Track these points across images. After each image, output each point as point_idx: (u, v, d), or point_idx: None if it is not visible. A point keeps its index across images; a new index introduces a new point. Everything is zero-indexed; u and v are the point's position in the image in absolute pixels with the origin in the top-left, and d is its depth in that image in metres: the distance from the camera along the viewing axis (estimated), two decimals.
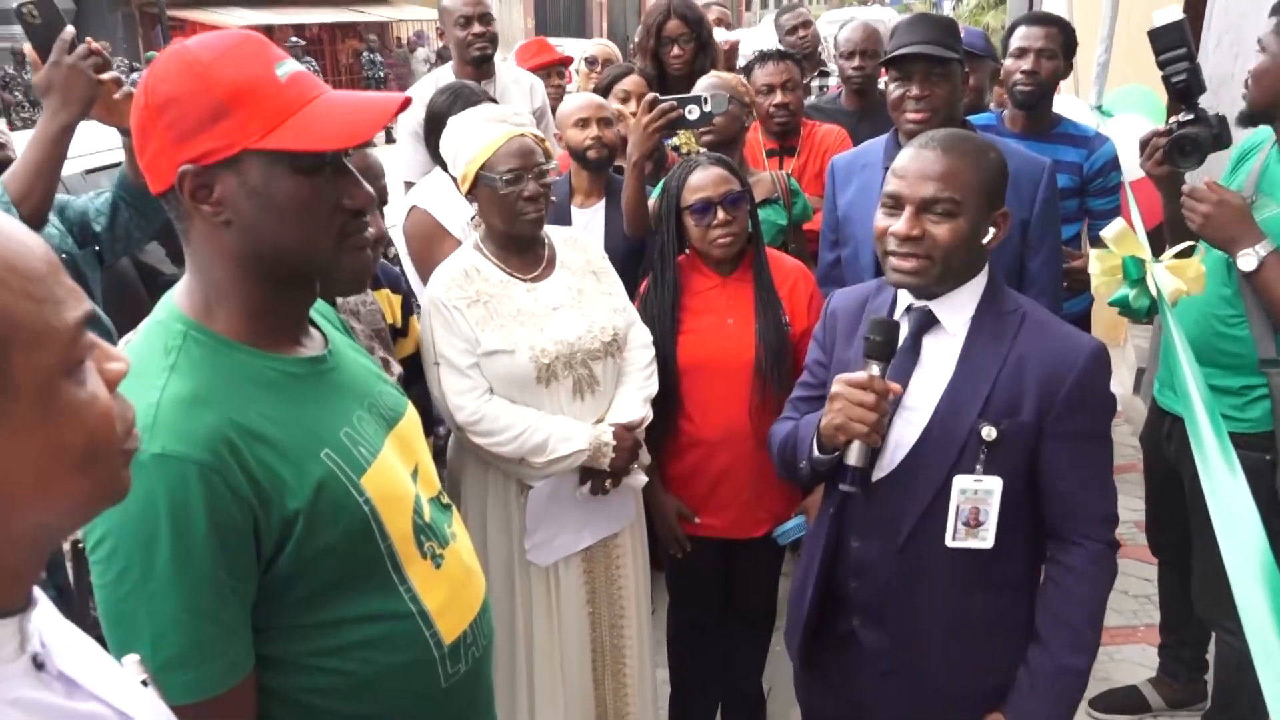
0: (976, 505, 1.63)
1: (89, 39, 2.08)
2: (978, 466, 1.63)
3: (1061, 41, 3.14)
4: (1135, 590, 3.55)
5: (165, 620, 1.07)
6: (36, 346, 0.68)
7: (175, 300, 1.20)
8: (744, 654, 2.75)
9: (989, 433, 1.62)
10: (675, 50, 3.66)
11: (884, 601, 1.74)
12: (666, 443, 2.44)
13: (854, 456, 1.63)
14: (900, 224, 1.62)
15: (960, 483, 1.63)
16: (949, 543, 1.65)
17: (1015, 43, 3.14)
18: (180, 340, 1.15)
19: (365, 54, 22.06)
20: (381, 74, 21.51)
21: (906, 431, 1.67)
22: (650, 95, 2.66)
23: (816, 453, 1.71)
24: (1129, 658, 3.21)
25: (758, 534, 2.48)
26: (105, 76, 2.06)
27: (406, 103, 1.24)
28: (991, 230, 1.67)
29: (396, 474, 1.29)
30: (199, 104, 1.09)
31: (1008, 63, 3.17)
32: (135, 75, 15.22)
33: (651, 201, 2.75)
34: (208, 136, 1.09)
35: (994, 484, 1.62)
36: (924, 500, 1.66)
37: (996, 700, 1.74)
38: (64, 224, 2.31)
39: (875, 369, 1.60)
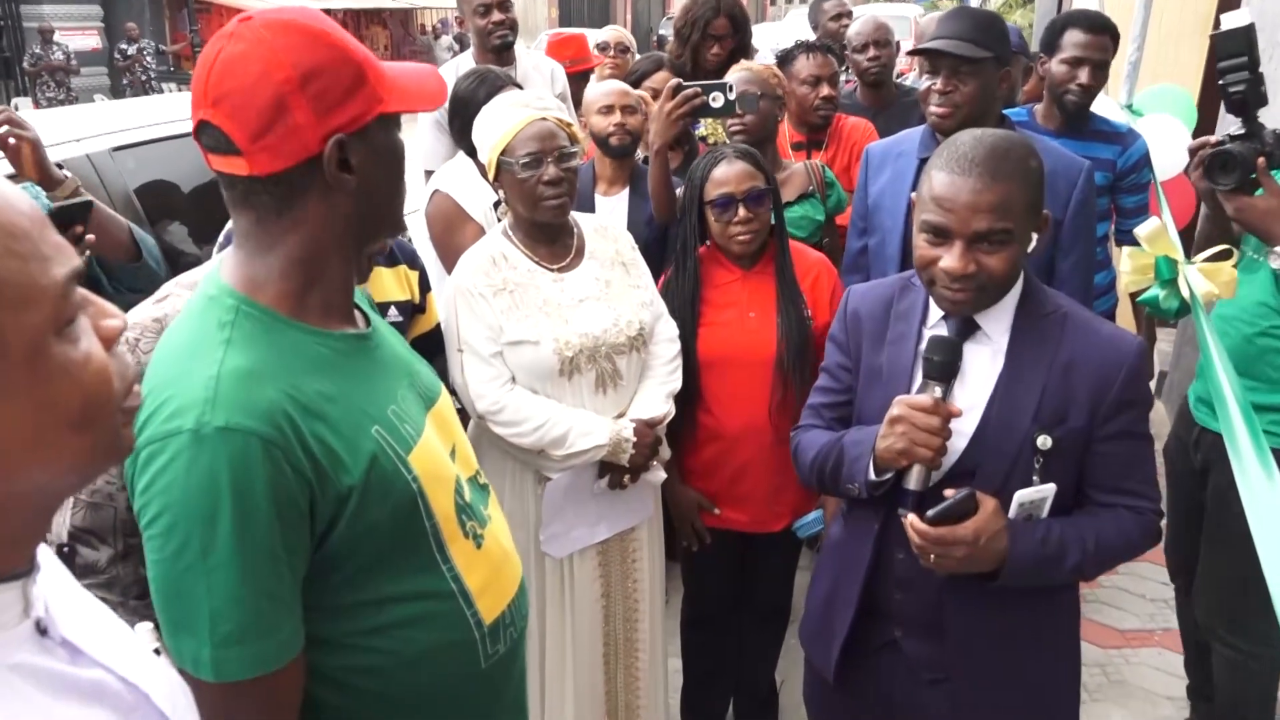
0: (1031, 513, 1.60)
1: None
2: (1034, 477, 1.59)
3: (1112, 49, 3.10)
4: (1153, 594, 3.53)
5: (225, 595, 1.07)
6: (23, 305, 0.67)
7: (223, 275, 1.19)
8: (757, 647, 2.74)
9: (1044, 441, 1.57)
10: (715, 49, 3.64)
11: (931, 611, 1.70)
12: (685, 436, 2.43)
13: (914, 481, 1.58)
14: (953, 261, 1.54)
15: (1021, 496, 1.58)
16: None
17: (1069, 49, 3.05)
18: (233, 315, 1.14)
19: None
20: None
21: (955, 441, 1.60)
22: (674, 81, 2.63)
23: (873, 475, 1.65)
24: (1145, 661, 3.19)
25: (776, 528, 2.47)
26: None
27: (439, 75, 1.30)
28: (1034, 237, 1.62)
29: (439, 452, 1.29)
30: (346, 72, 1.11)
31: (1059, 68, 3.08)
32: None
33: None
34: (354, 103, 1.12)
35: (1049, 490, 1.59)
36: None
37: (1044, 715, 1.74)
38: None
39: (938, 391, 1.56)
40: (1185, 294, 2.16)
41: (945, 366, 1.57)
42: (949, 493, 1.55)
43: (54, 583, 0.79)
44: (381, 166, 1.17)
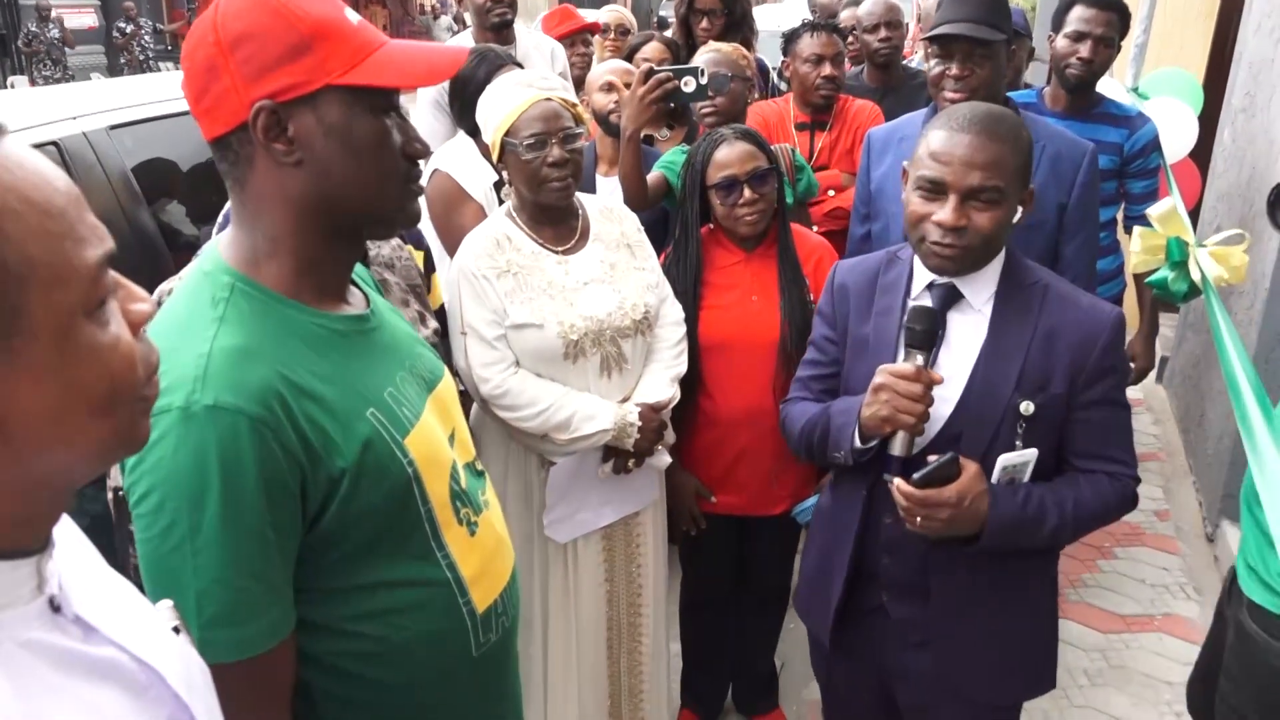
0: (1014, 476, 1.65)
1: None
2: (1016, 442, 1.64)
3: (1119, 27, 3.07)
4: (1153, 579, 3.54)
5: (211, 576, 1.05)
6: (55, 285, 0.65)
7: (220, 251, 1.17)
8: (757, 630, 2.75)
9: (1026, 407, 1.62)
10: (705, 23, 3.62)
11: (917, 575, 1.75)
12: (685, 419, 2.41)
13: (898, 447, 1.64)
14: (946, 214, 1.59)
15: (1005, 460, 1.63)
16: None
17: (1073, 24, 3.05)
18: (228, 292, 1.13)
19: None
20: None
21: (939, 407, 1.65)
22: (646, 66, 2.60)
23: (858, 443, 1.70)
24: (1145, 646, 3.20)
25: (775, 512, 2.46)
26: None
27: (465, 54, 1.25)
28: (1020, 209, 1.66)
29: (436, 437, 1.27)
30: (280, 38, 1.07)
31: (1061, 43, 3.08)
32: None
33: (653, 174, 2.71)
34: (288, 71, 1.07)
35: (1031, 455, 1.64)
36: None
37: (1025, 674, 1.79)
38: None
39: (920, 359, 1.60)
40: (1195, 277, 2.14)
41: (926, 335, 1.61)
42: (932, 458, 1.61)
43: (72, 559, 0.78)
44: (336, 142, 1.10)
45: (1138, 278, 3.08)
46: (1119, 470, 1.70)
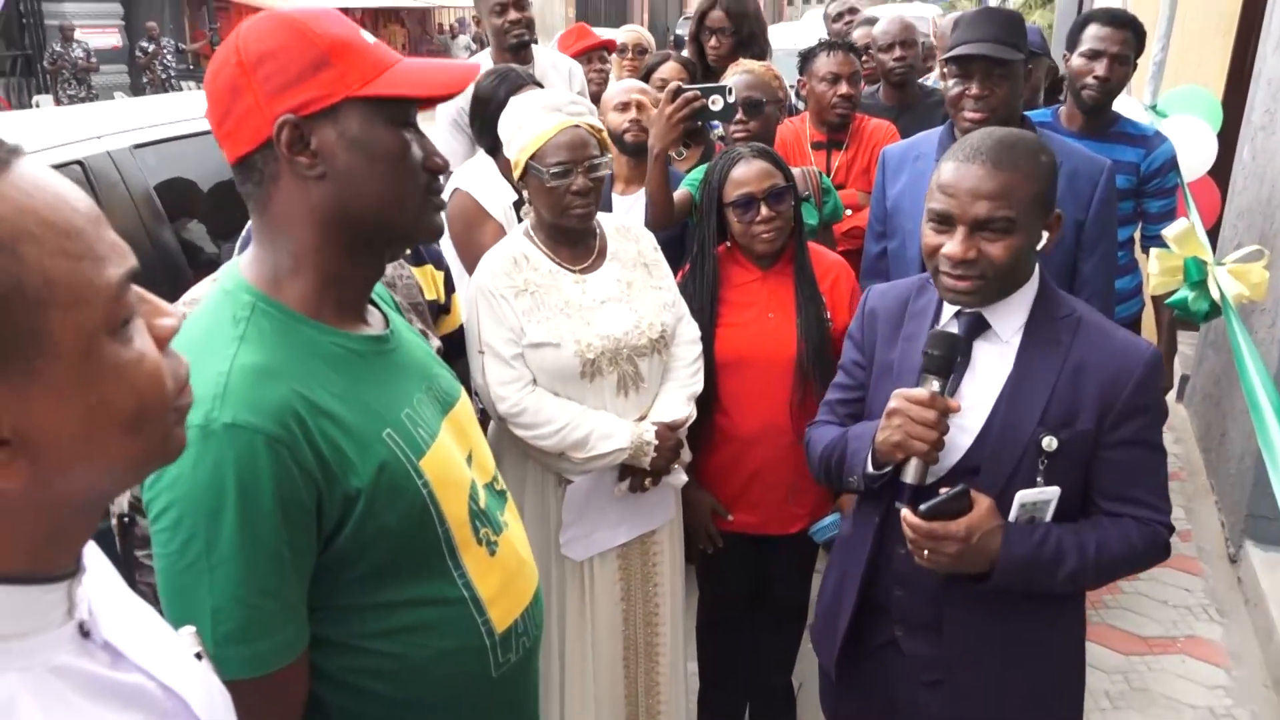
0: (1034, 515, 1.59)
1: None
2: (1038, 479, 1.58)
3: (1135, 45, 3.06)
4: (1175, 600, 3.50)
5: (226, 594, 1.06)
6: (76, 306, 0.66)
7: (242, 271, 1.19)
8: (774, 649, 2.73)
9: (1049, 443, 1.57)
10: (714, 41, 3.64)
11: (930, 610, 1.70)
12: (701, 437, 2.41)
13: (911, 475, 1.59)
14: (955, 246, 1.56)
15: (1023, 497, 1.57)
16: None
17: (1089, 43, 3.04)
18: (249, 311, 1.14)
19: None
20: None
21: (958, 437, 1.62)
22: (674, 84, 2.61)
23: (870, 468, 1.66)
24: (1167, 668, 3.15)
25: (792, 530, 2.45)
26: None
27: (478, 69, 1.27)
28: (1045, 235, 1.62)
29: (453, 458, 1.27)
30: (301, 55, 1.10)
31: (1077, 61, 3.07)
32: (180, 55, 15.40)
33: (679, 192, 2.72)
34: (309, 86, 1.10)
35: (1053, 493, 1.58)
36: None
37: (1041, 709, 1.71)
38: None
39: (935, 385, 1.56)
40: (1215, 296, 2.13)
41: (944, 361, 1.57)
42: (944, 490, 1.56)
43: (99, 583, 0.79)
44: (357, 154, 1.12)
45: (1156, 298, 3.06)
46: (1148, 515, 1.61)
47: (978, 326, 1.65)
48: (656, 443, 2.15)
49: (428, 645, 1.21)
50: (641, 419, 2.20)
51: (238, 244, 2.04)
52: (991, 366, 1.64)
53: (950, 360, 1.57)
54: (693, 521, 2.48)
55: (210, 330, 1.13)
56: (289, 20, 1.11)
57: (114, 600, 0.80)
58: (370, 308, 1.28)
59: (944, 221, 1.58)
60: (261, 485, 1.05)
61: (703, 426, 2.37)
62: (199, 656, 0.86)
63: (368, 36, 1.16)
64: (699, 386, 2.30)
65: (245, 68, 1.10)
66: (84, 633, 0.72)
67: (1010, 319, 1.64)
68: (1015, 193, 1.54)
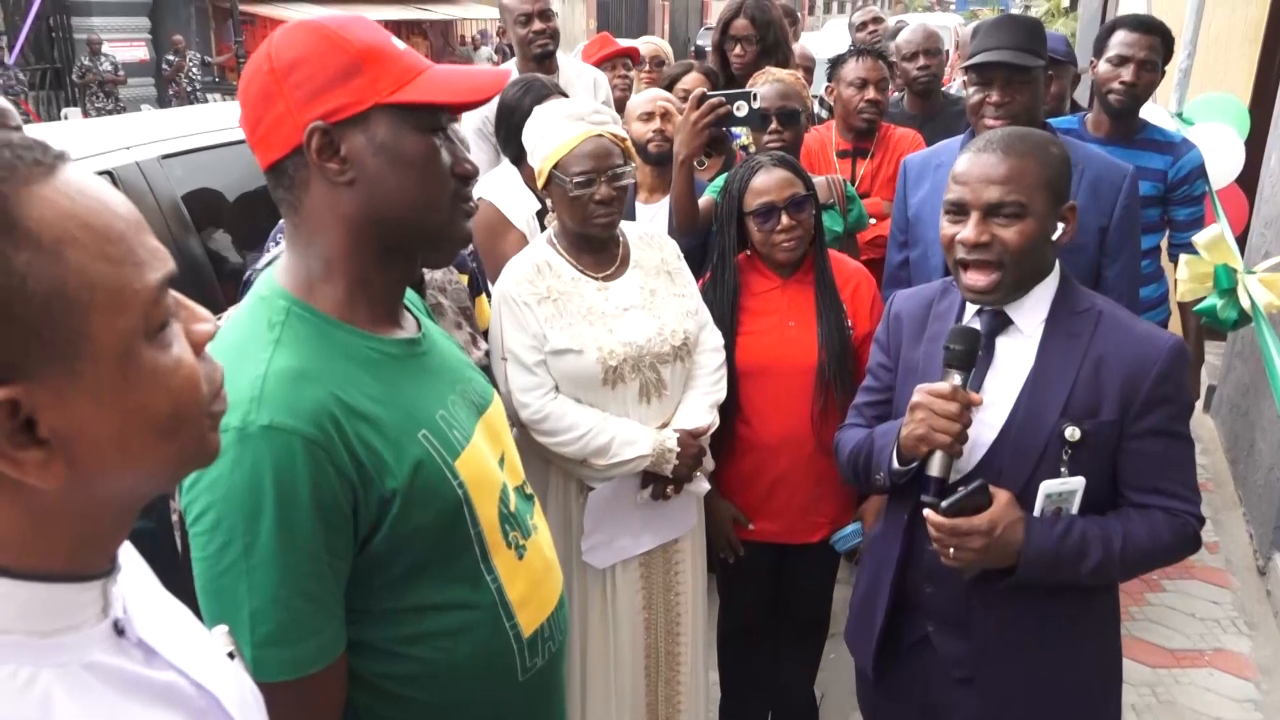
0: (1060, 506, 1.60)
1: None
2: (1061, 469, 1.60)
3: (1163, 51, 3.04)
4: (1203, 613, 3.45)
5: (265, 596, 1.07)
6: (116, 309, 0.67)
7: (277, 277, 1.20)
8: (795, 659, 2.71)
9: (1072, 433, 1.59)
10: (738, 50, 3.65)
11: (961, 606, 1.71)
12: (722, 445, 2.40)
13: (935, 468, 1.61)
14: (968, 230, 1.60)
15: (1047, 487, 1.59)
16: None
17: (1116, 48, 3.02)
18: (284, 316, 1.15)
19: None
20: None
21: (983, 432, 1.64)
22: (699, 91, 2.62)
23: (896, 464, 1.68)
24: (1195, 681, 3.12)
25: (813, 539, 2.44)
26: None
27: (508, 75, 1.27)
28: (1060, 225, 1.64)
29: (486, 459, 1.28)
30: (331, 62, 1.11)
31: (1104, 67, 3.05)
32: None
33: (704, 199, 2.72)
34: (340, 92, 1.11)
35: (1078, 483, 1.59)
36: None
37: (1080, 718, 1.71)
38: None
39: (957, 378, 1.59)
40: (1245, 304, 2.11)
41: (965, 355, 1.59)
42: (962, 488, 1.58)
43: (134, 582, 0.80)
44: (386, 160, 1.13)
45: (1183, 306, 3.03)
46: (1176, 506, 1.62)
47: (1000, 324, 1.68)
48: (679, 450, 2.15)
49: (457, 649, 1.21)
50: (664, 426, 2.20)
51: (269, 240, 2.07)
52: (1014, 362, 1.67)
53: (971, 354, 1.59)
54: (714, 530, 2.47)
55: (246, 335, 1.15)
56: (320, 28, 1.13)
57: (148, 599, 0.81)
58: (403, 312, 1.29)
59: (959, 210, 1.62)
60: (299, 487, 1.06)
61: (723, 435, 2.37)
62: (231, 655, 0.87)
63: (398, 43, 1.17)
64: (722, 394, 2.29)
65: (277, 75, 1.11)
66: (118, 631, 0.73)
67: (1032, 313, 1.67)
68: (1025, 178, 1.58)
